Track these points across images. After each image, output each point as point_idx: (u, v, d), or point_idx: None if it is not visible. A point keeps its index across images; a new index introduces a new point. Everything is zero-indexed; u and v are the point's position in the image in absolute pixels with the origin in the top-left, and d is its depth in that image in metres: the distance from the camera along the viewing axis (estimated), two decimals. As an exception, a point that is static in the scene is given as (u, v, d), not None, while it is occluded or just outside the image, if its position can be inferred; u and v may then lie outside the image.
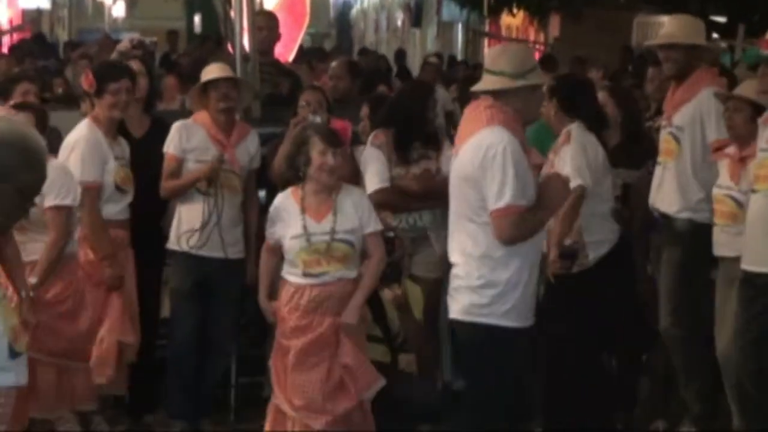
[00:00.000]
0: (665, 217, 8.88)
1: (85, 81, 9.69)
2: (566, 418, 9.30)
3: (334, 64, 13.72)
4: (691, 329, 9.09)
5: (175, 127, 9.60)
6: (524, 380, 7.89)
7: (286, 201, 8.43)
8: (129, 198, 9.46)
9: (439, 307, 9.70)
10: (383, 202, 9.63)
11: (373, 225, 8.43)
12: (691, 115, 8.84)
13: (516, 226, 7.33)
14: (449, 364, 10.02)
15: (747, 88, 9.12)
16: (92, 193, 9.04)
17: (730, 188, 8.74)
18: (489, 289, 7.47)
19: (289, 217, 8.34)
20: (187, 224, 9.62)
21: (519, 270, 7.47)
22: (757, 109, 8.83)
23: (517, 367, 7.73)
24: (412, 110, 10.12)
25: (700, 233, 8.84)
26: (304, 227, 8.21)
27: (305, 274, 8.24)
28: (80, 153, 9.16)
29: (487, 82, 7.79)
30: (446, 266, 8.29)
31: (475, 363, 7.78)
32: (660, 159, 9.17)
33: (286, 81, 11.84)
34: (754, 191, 8.27)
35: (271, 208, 8.56)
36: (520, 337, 7.62)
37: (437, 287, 9.75)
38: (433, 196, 9.70)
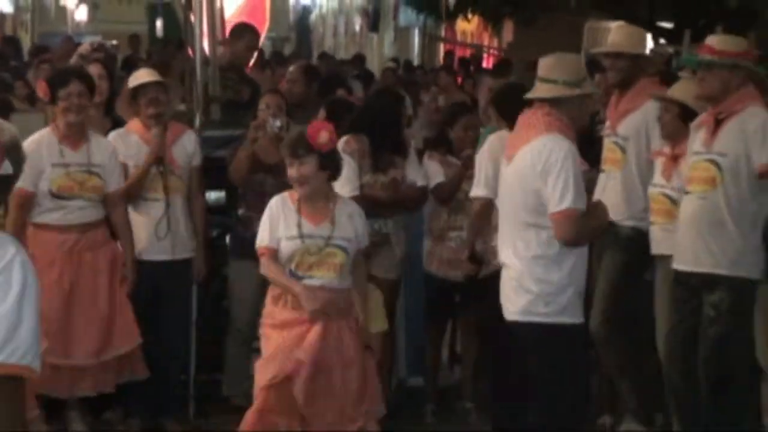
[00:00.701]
0: (610, 223, 8.93)
1: (40, 90, 9.72)
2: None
3: (291, 68, 13.81)
4: (620, 330, 9.10)
5: (111, 137, 9.62)
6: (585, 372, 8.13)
7: (283, 204, 8.19)
8: (77, 203, 9.29)
9: (396, 306, 9.98)
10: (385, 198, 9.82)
11: (365, 241, 8.31)
12: (636, 125, 8.82)
13: (576, 229, 7.51)
14: (404, 362, 10.16)
15: (678, 89, 9.12)
16: (16, 199, 8.80)
17: (664, 186, 8.78)
18: (545, 288, 7.57)
19: (285, 218, 8.10)
20: (136, 231, 9.62)
21: (570, 270, 7.60)
22: (687, 109, 8.84)
23: (579, 360, 7.93)
24: (386, 118, 10.15)
25: (642, 240, 8.86)
26: (300, 228, 7.99)
27: (292, 274, 7.99)
28: None
29: (544, 90, 7.87)
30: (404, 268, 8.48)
31: (541, 362, 7.84)
32: (604, 167, 9.18)
33: (248, 89, 11.81)
34: (686, 192, 8.32)
35: (267, 211, 8.25)
36: (577, 332, 7.79)
37: (395, 287, 9.91)
38: (399, 204, 9.89)
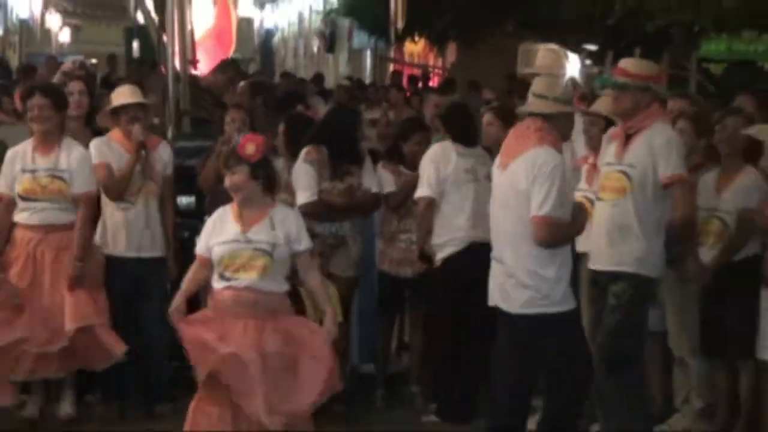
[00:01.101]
0: None
1: (16, 103, 9.73)
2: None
3: (241, 83, 13.81)
4: None
5: (95, 143, 9.54)
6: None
7: (223, 213, 8.09)
8: (40, 205, 9.31)
9: (352, 301, 10.01)
10: (311, 212, 9.64)
11: (304, 243, 8.02)
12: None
13: (550, 234, 7.63)
14: (357, 351, 10.11)
15: (603, 105, 9.17)
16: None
17: (586, 191, 8.87)
18: (541, 283, 7.69)
19: (222, 226, 7.97)
20: (111, 228, 9.62)
21: (560, 265, 7.75)
22: (611, 123, 8.90)
23: (582, 340, 8.02)
24: (344, 131, 10.20)
25: None
26: (232, 234, 7.86)
27: (221, 276, 7.85)
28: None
29: (538, 106, 7.95)
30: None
31: (548, 348, 7.91)
32: None
33: (219, 111, 11.75)
34: (599, 199, 8.36)
35: (208, 221, 8.20)
36: (575, 316, 7.94)
37: (353, 284, 9.95)
38: (354, 209, 9.89)
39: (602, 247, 8.21)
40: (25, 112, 9.33)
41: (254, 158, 7.75)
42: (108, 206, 9.50)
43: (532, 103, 8.01)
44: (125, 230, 9.52)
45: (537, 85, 8.03)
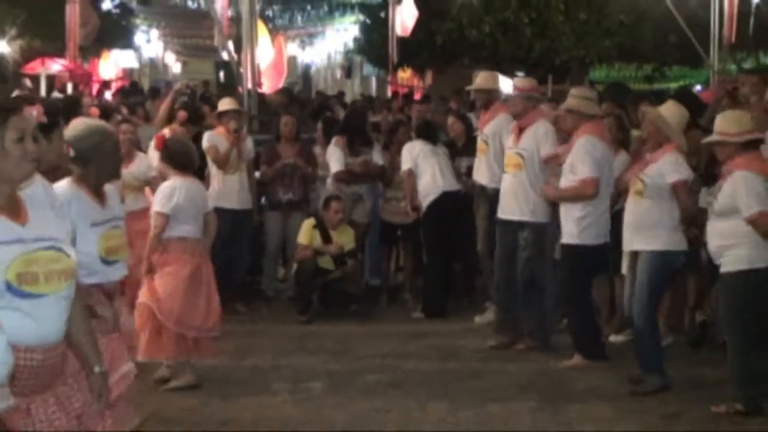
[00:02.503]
0: (481, 187, 8.83)
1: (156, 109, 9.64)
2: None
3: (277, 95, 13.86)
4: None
5: (207, 135, 9.37)
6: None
7: None
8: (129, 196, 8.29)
9: (366, 238, 9.97)
10: (341, 178, 9.76)
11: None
12: (495, 127, 8.60)
13: (586, 189, 7.33)
14: (368, 270, 10.10)
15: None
16: None
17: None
18: (580, 221, 7.36)
19: None
20: (222, 190, 9.24)
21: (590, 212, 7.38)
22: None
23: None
24: (357, 127, 10.24)
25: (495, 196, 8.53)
26: None
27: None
28: None
29: (584, 106, 7.62)
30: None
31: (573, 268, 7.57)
32: (478, 154, 8.94)
33: (276, 117, 11.59)
34: (505, 172, 8.16)
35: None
36: (600, 250, 7.49)
37: (366, 227, 9.93)
38: (369, 175, 9.91)
39: (508, 205, 8.04)
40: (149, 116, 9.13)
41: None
42: (218, 175, 9.29)
43: (580, 104, 7.65)
44: (229, 191, 9.27)
45: (579, 94, 7.80)
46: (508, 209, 8.06)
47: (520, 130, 8.07)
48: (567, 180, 7.52)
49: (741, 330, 6.37)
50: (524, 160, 7.95)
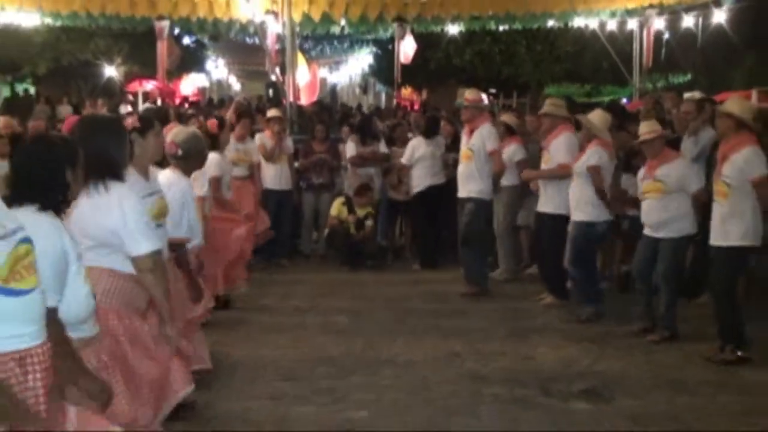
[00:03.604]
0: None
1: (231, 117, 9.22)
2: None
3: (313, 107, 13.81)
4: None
5: (258, 135, 9.19)
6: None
7: None
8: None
9: (379, 210, 9.74)
10: (355, 162, 9.64)
11: None
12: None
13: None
14: (379, 234, 9.90)
15: (507, 116, 9.00)
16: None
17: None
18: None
19: None
20: (269, 176, 9.14)
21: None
22: (510, 127, 8.60)
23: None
24: (366, 126, 10.11)
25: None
26: None
27: None
28: None
29: (560, 111, 7.39)
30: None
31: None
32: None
33: (310, 123, 11.50)
34: (460, 162, 7.98)
35: None
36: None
37: (378, 203, 9.74)
38: (375, 161, 9.74)
39: (462, 186, 7.86)
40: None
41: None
42: (265, 165, 9.14)
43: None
44: (274, 177, 9.18)
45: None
46: (461, 189, 7.93)
47: (471, 131, 7.89)
48: (549, 165, 7.45)
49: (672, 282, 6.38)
50: (474, 153, 7.80)
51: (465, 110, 8.03)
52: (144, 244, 3.33)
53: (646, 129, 6.40)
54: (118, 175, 3.37)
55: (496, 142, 7.90)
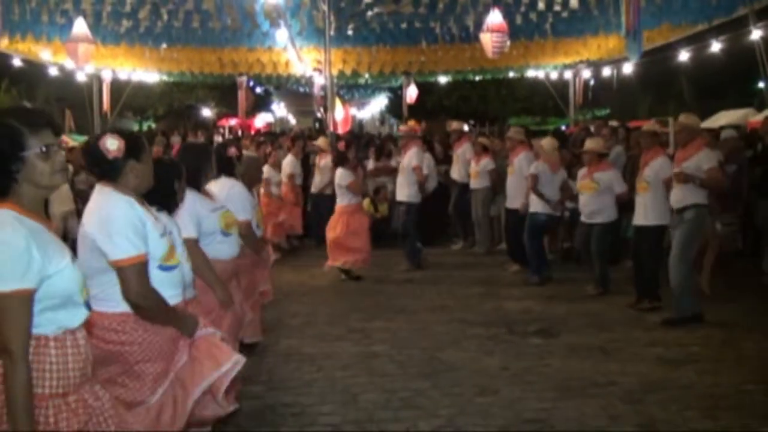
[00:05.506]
0: (453, 180, 8.46)
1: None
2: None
3: (345, 136, 12.94)
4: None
5: (310, 156, 8.92)
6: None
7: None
8: None
9: (394, 210, 8.95)
10: (373, 174, 9.06)
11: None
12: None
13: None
14: (392, 223, 9.42)
15: (482, 139, 8.72)
16: None
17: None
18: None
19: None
20: (318, 182, 8.44)
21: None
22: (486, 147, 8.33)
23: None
24: (380, 148, 9.69)
25: (463, 186, 8.16)
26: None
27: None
28: None
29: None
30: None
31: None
32: (453, 163, 8.60)
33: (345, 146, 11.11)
34: (398, 175, 7.51)
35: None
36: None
37: (393, 204, 8.89)
38: (386, 173, 9.22)
39: (399, 192, 7.45)
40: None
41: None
42: (319, 172, 8.56)
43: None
44: (322, 184, 8.68)
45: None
46: (399, 195, 7.51)
47: (406, 152, 7.50)
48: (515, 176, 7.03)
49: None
50: (405, 169, 7.41)
51: (401, 138, 7.61)
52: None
53: (591, 145, 6.35)
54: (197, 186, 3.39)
55: (420, 160, 7.48)
